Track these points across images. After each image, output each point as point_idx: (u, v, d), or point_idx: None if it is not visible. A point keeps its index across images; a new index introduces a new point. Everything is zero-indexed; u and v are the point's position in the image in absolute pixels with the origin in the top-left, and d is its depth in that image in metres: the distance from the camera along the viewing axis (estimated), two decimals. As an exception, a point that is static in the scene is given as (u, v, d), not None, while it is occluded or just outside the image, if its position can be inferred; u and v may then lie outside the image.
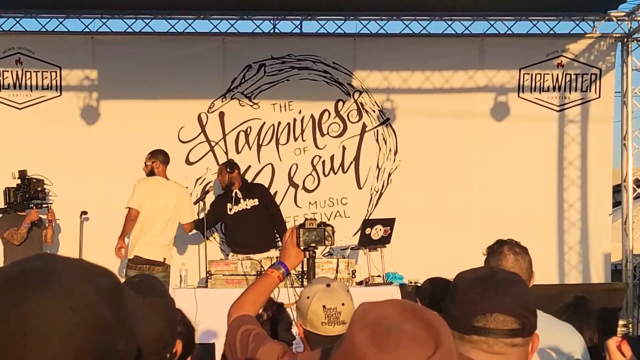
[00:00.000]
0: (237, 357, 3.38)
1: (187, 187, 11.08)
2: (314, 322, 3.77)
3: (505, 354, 2.24)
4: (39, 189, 10.41)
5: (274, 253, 10.15)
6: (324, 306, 3.76)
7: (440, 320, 1.51)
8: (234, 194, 10.60)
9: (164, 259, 10.18)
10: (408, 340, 1.46)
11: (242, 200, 10.61)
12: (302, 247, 3.99)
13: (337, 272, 9.55)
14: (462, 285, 2.33)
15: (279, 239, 10.61)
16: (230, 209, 10.64)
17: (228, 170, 10.67)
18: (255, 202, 10.63)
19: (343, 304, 3.78)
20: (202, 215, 10.84)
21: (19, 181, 10.30)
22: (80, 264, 1.28)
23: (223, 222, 10.95)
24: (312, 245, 4.19)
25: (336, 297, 3.79)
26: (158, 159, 10.49)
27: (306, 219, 4.26)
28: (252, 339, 3.35)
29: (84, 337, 1.20)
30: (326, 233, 4.24)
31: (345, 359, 1.49)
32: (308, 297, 3.81)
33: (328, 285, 3.82)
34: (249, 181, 11.40)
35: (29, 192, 10.25)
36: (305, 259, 4.28)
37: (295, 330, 4.34)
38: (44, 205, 10.43)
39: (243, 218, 10.57)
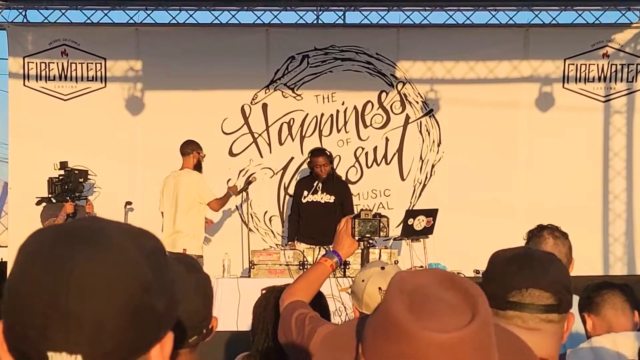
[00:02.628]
0: (293, 340, 3.39)
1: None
2: (370, 305, 3.77)
3: (540, 330, 2.22)
4: (81, 180, 10.48)
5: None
6: (379, 288, 3.76)
7: (478, 290, 1.50)
8: (315, 183, 10.55)
9: (184, 250, 10.08)
10: (445, 308, 1.46)
11: (319, 193, 10.54)
12: (356, 238, 3.98)
13: (379, 263, 9.54)
14: (497, 263, 2.31)
15: None
16: (305, 197, 10.59)
17: (330, 161, 10.46)
18: (331, 199, 10.50)
19: None
20: (244, 205, 10.87)
21: (61, 172, 10.39)
22: (126, 226, 1.33)
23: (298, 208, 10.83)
24: (367, 235, 4.18)
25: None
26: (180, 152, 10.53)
27: (361, 210, 4.25)
28: (308, 321, 3.35)
29: (125, 294, 1.24)
30: (381, 224, 4.22)
31: (382, 325, 1.49)
32: (363, 281, 3.82)
33: (382, 267, 3.83)
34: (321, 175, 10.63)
35: (69, 183, 10.32)
36: (359, 249, 4.27)
37: (337, 320, 4.26)
38: (82, 197, 10.49)
39: (313, 210, 10.47)
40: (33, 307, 1.22)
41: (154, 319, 1.28)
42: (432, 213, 10.21)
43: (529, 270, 2.26)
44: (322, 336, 3.07)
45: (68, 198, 10.30)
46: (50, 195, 10.37)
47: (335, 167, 11.88)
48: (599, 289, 3.92)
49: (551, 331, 2.27)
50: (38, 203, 10.38)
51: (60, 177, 10.37)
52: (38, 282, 1.23)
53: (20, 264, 1.27)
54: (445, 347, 1.42)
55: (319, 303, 3.90)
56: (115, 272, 1.24)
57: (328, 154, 10.59)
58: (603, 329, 3.78)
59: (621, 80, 12.12)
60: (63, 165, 10.40)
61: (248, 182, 11.23)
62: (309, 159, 10.69)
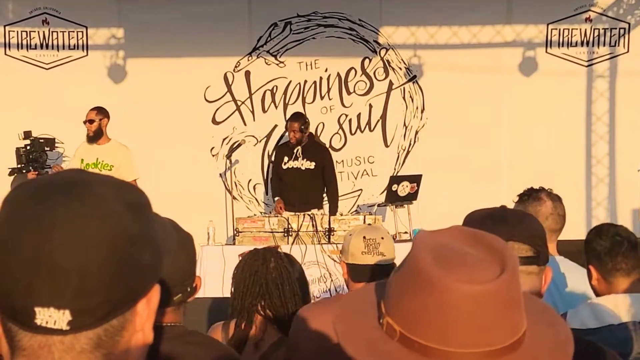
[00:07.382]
0: None
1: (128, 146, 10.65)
2: (355, 254, 3.92)
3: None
4: (47, 148, 10.28)
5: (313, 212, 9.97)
6: (364, 237, 3.93)
7: (502, 243, 1.48)
8: (295, 150, 10.52)
9: None
10: (474, 261, 1.43)
11: (299, 159, 10.51)
12: None
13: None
14: (472, 222, 2.31)
15: (325, 202, 10.62)
16: (285, 163, 10.53)
17: (302, 129, 10.43)
18: (311, 165, 10.48)
19: (383, 238, 3.96)
20: (228, 173, 10.86)
21: (27, 141, 10.18)
22: (110, 179, 1.31)
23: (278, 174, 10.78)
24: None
25: (377, 231, 4.00)
26: (105, 116, 10.30)
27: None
28: None
29: (108, 247, 1.22)
30: None
31: (408, 280, 1.46)
32: (350, 235, 4.00)
33: (369, 224, 4.03)
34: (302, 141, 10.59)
35: (33, 152, 10.13)
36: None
37: (322, 286, 4.24)
38: (46, 167, 10.27)
39: (294, 176, 10.43)
40: (17, 261, 1.21)
41: (140, 271, 1.27)
42: (416, 179, 10.23)
43: (505, 225, 2.28)
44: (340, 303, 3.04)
45: (31, 168, 10.08)
46: (19, 166, 10.16)
47: (319, 134, 11.89)
48: (611, 249, 3.73)
49: (531, 284, 2.29)
50: (10, 174, 10.22)
51: (26, 147, 10.16)
52: (21, 236, 1.22)
53: (2, 219, 1.25)
54: (479, 299, 1.40)
55: (300, 279, 3.95)
56: (98, 224, 1.23)
57: (302, 121, 10.49)
58: (605, 287, 3.71)
59: (604, 45, 12.12)
60: (27, 134, 10.20)
61: (232, 150, 11.18)
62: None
